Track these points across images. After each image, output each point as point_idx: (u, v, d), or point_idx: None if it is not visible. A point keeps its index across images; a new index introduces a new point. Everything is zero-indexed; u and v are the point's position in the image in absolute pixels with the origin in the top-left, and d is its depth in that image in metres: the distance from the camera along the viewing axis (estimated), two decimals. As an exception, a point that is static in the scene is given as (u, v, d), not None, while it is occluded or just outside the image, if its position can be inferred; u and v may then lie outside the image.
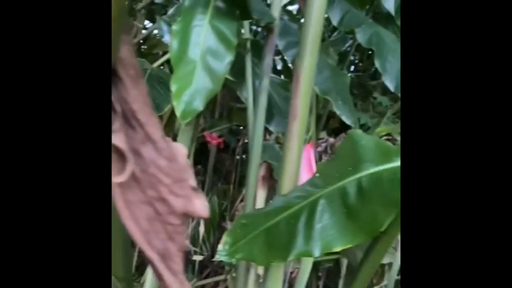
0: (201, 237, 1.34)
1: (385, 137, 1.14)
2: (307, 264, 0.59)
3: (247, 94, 0.78)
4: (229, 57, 0.50)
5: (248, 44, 0.73)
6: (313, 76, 0.43)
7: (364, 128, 2.49)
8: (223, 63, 0.52)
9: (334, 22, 0.95)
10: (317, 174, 0.39)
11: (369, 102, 2.61)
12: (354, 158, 0.37)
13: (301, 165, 0.57)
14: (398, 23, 0.91)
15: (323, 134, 2.13)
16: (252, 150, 0.58)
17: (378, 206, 0.34)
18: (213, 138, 1.42)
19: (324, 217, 0.36)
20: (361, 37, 0.89)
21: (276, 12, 0.58)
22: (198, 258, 1.24)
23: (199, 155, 1.91)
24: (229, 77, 0.90)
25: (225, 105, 1.70)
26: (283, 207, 0.39)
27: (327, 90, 0.85)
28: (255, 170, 0.58)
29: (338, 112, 0.83)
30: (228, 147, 1.64)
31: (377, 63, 0.87)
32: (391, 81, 0.87)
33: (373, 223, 0.34)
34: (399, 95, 0.86)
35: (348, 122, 0.82)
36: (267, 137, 1.13)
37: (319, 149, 1.88)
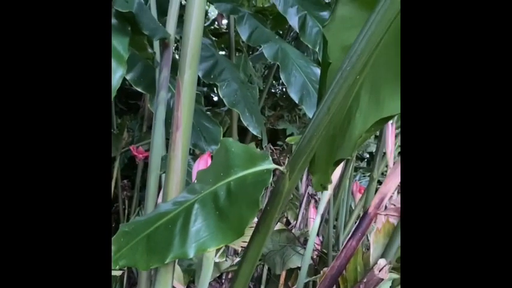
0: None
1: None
2: (207, 267, 0.61)
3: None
4: (120, 72, 0.52)
5: (158, 58, 0.75)
6: (194, 88, 0.46)
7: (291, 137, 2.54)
8: (114, 77, 0.54)
9: (243, 38, 1.00)
10: (195, 181, 0.42)
11: (295, 113, 2.70)
12: (226, 164, 0.40)
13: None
14: (302, 38, 0.98)
15: (251, 145, 2.16)
16: (151, 161, 0.59)
17: (243, 206, 0.37)
18: (140, 152, 1.40)
19: (197, 220, 0.39)
20: (267, 52, 0.95)
21: (171, 28, 0.60)
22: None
23: (128, 169, 1.86)
24: (140, 89, 0.91)
25: (151, 114, 1.68)
26: (163, 214, 0.41)
27: (235, 103, 0.88)
28: (155, 181, 0.59)
29: (245, 123, 0.87)
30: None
31: (282, 77, 0.92)
32: (295, 93, 0.92)
33: (240, 222, 0.37)
34: (303, 106, 0.92)
35: (254, 132, 0.86)
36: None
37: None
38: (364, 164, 2.63)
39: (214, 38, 1.81)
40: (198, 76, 0.92)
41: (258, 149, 0.41)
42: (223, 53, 1.84)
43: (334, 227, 1.50)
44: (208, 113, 1.78)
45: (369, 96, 0.36)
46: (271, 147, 2.30)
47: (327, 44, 0.37)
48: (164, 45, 0.60)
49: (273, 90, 2.47)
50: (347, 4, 0.36)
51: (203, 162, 0.62)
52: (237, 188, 0.38)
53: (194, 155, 0.99)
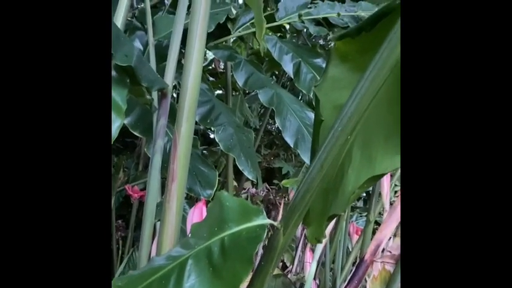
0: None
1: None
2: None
3: (153, 152, 0.80)
4: (118, 122, 0.53)
5: (156, 103, 0.76)
6: (190, 141, 0.47)
7: (288, 176, 2.56)
8: (113, 127, 0.55)
9: (240, 83, 1.02)
10: (189, 235, 0.42)
11: (291, 152, 2.71)
12: (220, 218, 0.40)
13: (193, 222, 0.60)
14: (296, 84, 1.00)
15: (247, 184, 2.16)
16: (146, 209, 0.59)
17: (237, 262, 0.37)
18: (135, 192, 1.40)
19: (191, 277, 0.38)
20: (262, 97, 0.97)
21: (169, 78, 0.62)
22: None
23: (122, 208, 1.84)
24: (137, 133, 0.92)
25: (146, 156, 1.69)
26: (156, 268, 0.40)
27: (230, 147, 0.89)
28: (149, 230, 0.59)
29: (241, 167, 0.88)
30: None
31: (277, 121, 0.94)
32: (290, 137, 0.94)
33: (233, 279, 0.37)
34: (298, 151, 0.93)
35: (249, 176, 0.87)
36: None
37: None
38: (361, 203, 2.62)
39: (211, 78, 1.85)
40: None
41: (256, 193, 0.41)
42: (220, 91, 1.87)
43: (331, 269, 1.48)
44: (204, 151, 1.78)
45: (361, 154, 0.37)
46: (267, 186, 2.29)
47: (319, 103, 0.39)
48: (162, 94, 0.62)
49: (269, 127, 2.50)
50: (338, 66, 0.37)
51: (198, 211, 0.62)
52: (231, 243, 0.38)
53: (190, 199, 0.99)
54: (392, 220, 0.77)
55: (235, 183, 1.98)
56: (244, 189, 2.05)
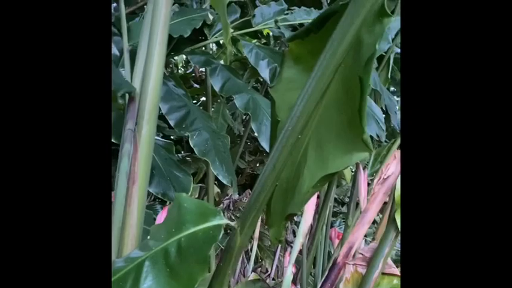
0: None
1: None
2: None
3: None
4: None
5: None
6: (152, 144, 0.47)
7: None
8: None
9: (216, 88, 1.03)
10: (149, 237, 0.42)
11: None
12: (178, 219, 0.40)
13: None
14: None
15: (231, 191, 2.15)
16: (114, 214, 0.59)
17: (193, 263, 0.37)
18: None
19: (148, 278, 0.38)
20: (238, 102, 0.97)
21: (137, 82, 0.62)
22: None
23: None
24: (113, 139, 0.91)
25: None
26: (115, 271, 0.40)
27: (205, 152, 0.89)
28: (117, 235, 0.58)
29: (215, 172, 0.88)
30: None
31: (253, 126, 0.94)
32: (266, 142, 0.94)
33: (190, 279, 0.37)
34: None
35: (224, 181, 0.87)
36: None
37: (222, 206, 1.90)
38: (345, 209, 2.63)
39: (196, 85, 1.85)
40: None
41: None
42: (204, 99, 1.87)
43: (313, 274, 1.48)
44: (188, 158, 1.77)
45: (315, 154, 0.38)
46: (250, 192, 2.28)
47: (275, 104, 0.39)
48: (130, 98, 0.62)
49: (253, 134, 2.50)
50: (292, 67, 0.38)
51: (164, 215, 0.62)
52: (188, 244, 0.38)
53: (164, 204, 0.99)
54: (363, 223, 0.78)
55: (218, 190, 1.98)
56: (227, 195, 2.04)
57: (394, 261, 0.77)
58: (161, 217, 0.59)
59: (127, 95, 0.71)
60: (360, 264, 0.76)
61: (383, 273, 0.73)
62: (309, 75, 0.35)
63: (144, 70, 0.46)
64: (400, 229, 0.68)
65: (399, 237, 0.73)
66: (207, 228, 0.38)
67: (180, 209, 0.41)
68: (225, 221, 0.39)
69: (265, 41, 1.51)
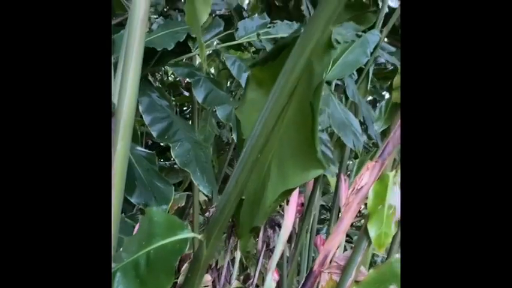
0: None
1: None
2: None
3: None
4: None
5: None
6: (126, 159, 0.49)
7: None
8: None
9: (199, 100, 1.05)
10: (121, 249, 0.44)
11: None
12: (148, 232, 0.42)
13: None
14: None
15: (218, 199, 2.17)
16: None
17: (161, 274, 0.39)
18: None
19: (119, 288, 0.40)
20: (220, 113, 1.00)
21: (115, 97, 0.64)
22: None
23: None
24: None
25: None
26: (87, 282, 0.42)
27: (187, 162, 0.92)
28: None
29: (196, 182, 0.90)
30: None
31: (235, 137, 0.97)
32: (246, 153, 0.96)
33: (157, 290, 0.39)
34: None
35: (204, 191, 0.89)
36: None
37: (208, 214, 1.91)
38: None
39: (186, 93, 1.86)
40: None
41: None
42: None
43: (298, 282, 1.50)
44: (175, 166, 1.78)
45: (277, 171, 0.40)
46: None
47: (240, 123, 0.42)
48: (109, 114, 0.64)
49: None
50: (254, 90, 0.41)
51: (138, 227, 0.64)
52: (156, 256, 0.40)
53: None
54: (339, 232, 0.81)
55: (205, 198, 1.99)
56: (213, 205, 2.06)
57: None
58: (138, 229, 0.61)
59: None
60: (335, 272, 0.78)
61: (356, 281, 0.75)
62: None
63: (120, 86, 0.49)
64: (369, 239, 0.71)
65: (371, 246, 0.75)
66: (174, 241, 0.41)
67: (151, 222, 0.43)
68: (191, 234, 0.41)
69: (252, 53, 1.54)
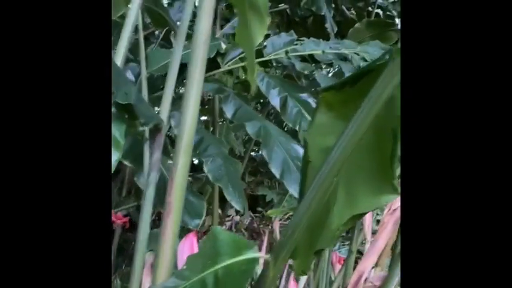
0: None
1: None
2: None
3: (143, 180, 0.82)
4: (116, 156, 0.56)
5: (147, 134, 0.79)
6: (186, 175, 0.50)
7: (271, 204, 2.58)
8: (112, 160, 0.57)
9: (229, 115, 1.06)
10: (185, 267, 0.44)
11: (275, 179, 2.75)
12: (214, 251, 0.43)
13: (184, 253, 0.62)
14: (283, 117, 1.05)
15: (231, 212, 2.17)
16: (138, 239, 0.61)
17: (230, 294, 0.40)
18: (118, 218, 1.40)
19: (187, 307, 0.41)
20: (250, 129, 1.01)
21: (164, 114, 0.66)
22: None
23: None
24: (127, 163, 0.94)
25: (134, 182, 1.70)
26: (152, 299, 0.42)
27: (219, 178, 0.92)
28: (141, 259, 0.61)
29: (228, 198, 0.90)
30: (134, 226, 1.60)
31: (264, 153, 0.98)
32: (276, 169, 0.97)
33: (227, 310, 0.39)
34: (284, 181, 0.97)
35: (237, 207, 0.90)
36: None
37: (224, 227, 1.91)
38: (343, 233, 2.65)
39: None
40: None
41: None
42: (205, 117, 1.90)
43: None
44: (189, 178, 1.80)
45: (345, 194, 0.41)
46: (251, 214, 2.30)
47: (308, 145, 0.43)
48: (157, 129, 0.65)
49: (253, 155, 2.53)
50: (325, 113, 0.42)
51: (188, 242, 0.65)
52: (224, 276, 0.41)
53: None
54: (374, 252, 0.81)
55: (219, 211, 1.99)
56: (229, 216, 2.06)
57: (402, 290, 0.79)
58: (183, 245, 0.61)
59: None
60: (370, 293, 0.78)
61: (393, 301, 0.75)
62: (341, 121, 0.39)
63: (184, 101, 0.49)
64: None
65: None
66: (243, 261, 0.41)
67: (216, 241, 0.43)
68: (259, 254, 0.42)
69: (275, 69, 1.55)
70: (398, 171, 0.37)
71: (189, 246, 0.63)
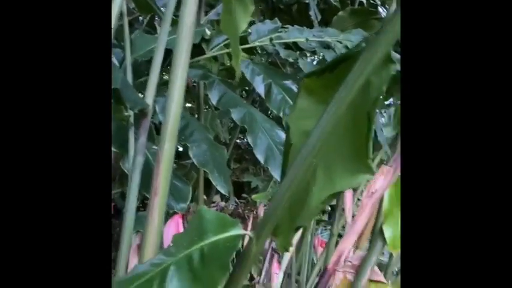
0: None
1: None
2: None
3: (128, 166, 0.83)
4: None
5: (132, 119, 0.80)
6: (172, 159, 0.52)
7: (256, 190, 2.61)
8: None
9: (213, 102, 1.08)
10: (171, 244, 0.46)
11: (259, 166, 2.77)
12: (200, 229, 0.45)
13: (170, 234, 0.64)
14: (268, 104, 1.07)
15: (216, 198, 2.20)
16: (125, 222, 0.63)
17: (215, 268, 0.42)
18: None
19: (173, 282, 0.43)
20: (235, 116, 1.02)
21: (149, 99, 0.67)
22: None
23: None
24: (114, 148, 0.95)
25: (118, 168, 1.70)
26: (140, 274, 0.44)
27: (204, 163, 0.94)
28: (128, 240, 0.62)
29: (214, 183, 0.92)
30: (119, 212, 1.61)
31: (249, 139, 1.00)
32: (261, 154, 1.00)
33: (211, 283, 0.41)
34: (268, 167, 0.99)
35: (222, 191, 0.92)
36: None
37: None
38: (326, 217, 2.71)
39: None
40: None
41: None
42: (190, 105, 1.91)
43: (297, 281, 1.53)
44: (174, 164, 1.81)
45: (323, 174, 0.43)
46: (236, 200, 2.33)
47: (289, 129, 0.45)
48: (142, 114, 0.66)
49: (238, 142, 2.55)
50: (306, 98, 0.44)
51: (174, 224, 0.67)
52: (210, 252, 0.43)
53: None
54: (353, 233, 0.84)
55: (205, 197, 2.01)
56: (214, 202, 2.08)
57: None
58: (169, 226, 0.63)
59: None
60: (349, 272, 0.82)
61: (370, 280, 0.79)
62: (321, 106, 0.41)
63: (169, 87, 0.51)
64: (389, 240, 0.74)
65: (385, 247, 0.79)
66: (227, 238, 0.43)
67: (202, 219, 0.45)
68: (243, 231, 0.44)
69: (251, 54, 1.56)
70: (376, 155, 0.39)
71: (175, 227, 0.65)
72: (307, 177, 0.45)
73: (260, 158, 0.99)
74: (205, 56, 1.17)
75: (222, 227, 0.44)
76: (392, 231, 0.75)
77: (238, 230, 0.44)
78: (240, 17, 0.56)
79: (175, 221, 0.66)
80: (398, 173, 0.81)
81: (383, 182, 0.82)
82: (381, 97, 0.37)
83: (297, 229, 0.46)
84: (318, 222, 2.34)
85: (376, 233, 0.79)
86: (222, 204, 2.02)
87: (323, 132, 0.38)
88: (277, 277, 1.14)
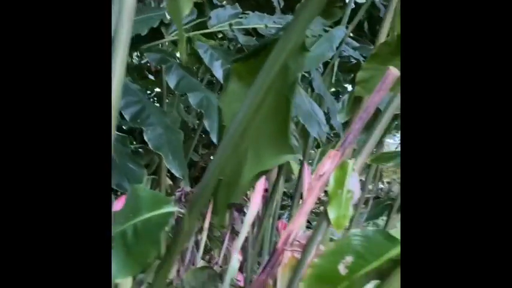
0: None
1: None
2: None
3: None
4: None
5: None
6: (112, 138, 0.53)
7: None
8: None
9: (172, 86, 1.08)
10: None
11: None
12: (135, 206, 0.47)
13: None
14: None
15: (183, 184, 2.21)
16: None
17: (147, 243, 0.44)
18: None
19: (108, 256, 0.45)
20: (192, 100, 1.04)
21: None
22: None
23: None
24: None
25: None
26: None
27: (159, 146, 0.95)
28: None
29: (168, 166, 0.94)
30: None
31: (206, 123, 1.01)
32: (216, 139, 1.01)
33: (144, 257, 0.44)
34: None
35: (177, 175, 0.93)
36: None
37: (174, 197, 1.95)
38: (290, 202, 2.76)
39: (150, 76, 1.87)
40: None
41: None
42: (159, 90, 1.89)
43: (259, 263, 1.58)
44: (140, 150, 1.80)
45: (253, 154, 0.46)
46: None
47: (222, 111, 0.47)
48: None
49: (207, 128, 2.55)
50: (235, 82, 0.46)
51: (120, 203, 0.68)
52: (143, 227, 0.45)
53: (120, 195, 1.03)
54: (302, 213, 0.88)
55: (170, 182, 2.02)
56: (179, 187, 2.09)
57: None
58: (116, 205, 0.65)
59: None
60: (297, 250, 0.86)
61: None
62: (248, 90, 0.43)
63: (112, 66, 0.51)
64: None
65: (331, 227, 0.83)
66: (160, 215, 0.45)
67: (137, 197, 0.47)
68: (175, 208, 0.46)
69: (221, 40, 1.57)
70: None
71: (122, 205, 0.66)
72: (240, 158, 0.48)
73: (216, 141, 1.01)
74: (163, 40, 1.17)
75: (156, 205, 0.46)
76: (335, 212, 0.79)
77: (170, 208, 0.46)
78: (183, 1, 0.58)
79: (122, 201, 0.67)
80: (345, 157, 0.85)
81: (330, 165, 0.86)
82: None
83: (229, 206, 0.49)
84: (285, 207, 2.39)
85: (322, 215, 0.83)
86: (187, 189, 2.04)
87: (246, 114, 0.40)
88: (232, 259, 1.17)
